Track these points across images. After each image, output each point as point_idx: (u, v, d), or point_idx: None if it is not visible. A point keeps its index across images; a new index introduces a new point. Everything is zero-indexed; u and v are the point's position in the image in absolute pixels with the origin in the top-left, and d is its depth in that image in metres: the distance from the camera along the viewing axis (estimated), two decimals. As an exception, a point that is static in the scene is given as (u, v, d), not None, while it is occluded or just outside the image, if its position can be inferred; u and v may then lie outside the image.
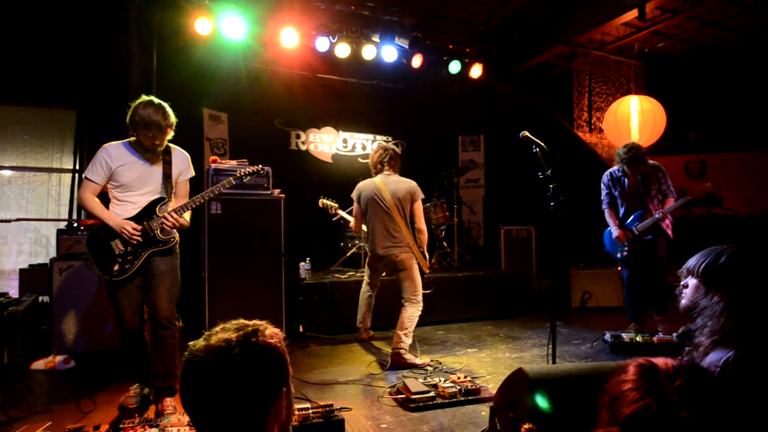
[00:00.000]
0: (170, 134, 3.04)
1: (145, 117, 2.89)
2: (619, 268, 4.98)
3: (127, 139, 3.06)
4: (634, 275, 4.67)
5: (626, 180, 4.65)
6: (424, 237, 4.16)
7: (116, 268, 2.91)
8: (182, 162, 3.18)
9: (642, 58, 7.26)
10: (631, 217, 4.64)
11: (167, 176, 3.08)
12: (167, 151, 3.12)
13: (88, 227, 4.38)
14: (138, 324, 3.03)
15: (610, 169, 4.82)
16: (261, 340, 0.97)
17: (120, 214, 2.96)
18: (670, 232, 4.55)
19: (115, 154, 3.00)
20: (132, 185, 3.00)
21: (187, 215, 3.08)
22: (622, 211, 4.73)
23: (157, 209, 3.01)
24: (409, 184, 4.17)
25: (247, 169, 3.36)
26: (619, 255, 4.70)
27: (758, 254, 1.42)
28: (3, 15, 5.08)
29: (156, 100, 2.97)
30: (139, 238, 2.92)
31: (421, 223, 4.14)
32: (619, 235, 4.63)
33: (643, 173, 4.57)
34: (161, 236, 2.99)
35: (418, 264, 4.17)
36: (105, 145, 3.04)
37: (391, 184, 4.16)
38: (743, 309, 1.37)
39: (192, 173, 3.26)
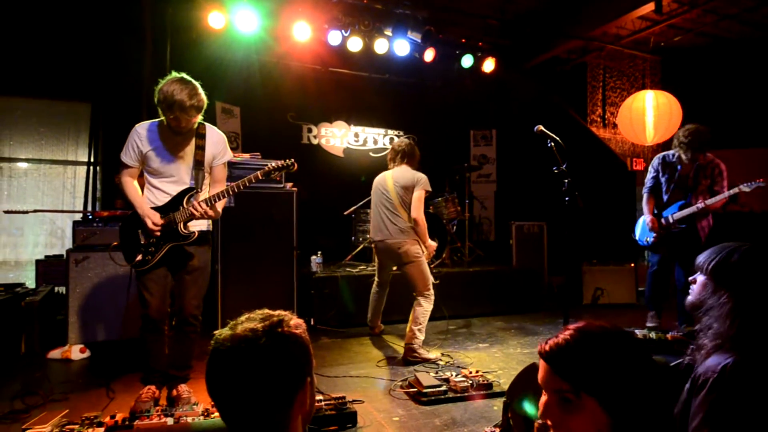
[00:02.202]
0: (198, 117, 2.85)
1: (168, 95, 2.68)
2: (647, 255, 4.72)
3: (159, 119, 2.91)
4: (662, 261, 4.46)
5: (680, 167, 4.28)
6: (420, 228, 3.99)
7: (139, 257, 2.86)
8: (216, 145, 3.01)
9: (658, 53, 7.16)
10: (671, 207, 4.36)
11: (198, 163, 2.92)
12: (200, 135, 2.94)
13: (103, 219, 4.42)
14: (162, 313, 2.93)
15: (665, 152, 4.47)
16: (287, 330, 0.97)
17: (153, 202, 2.90)
18: (703, 235, 4.27)
19: (144, 136, 2.88)
20: (162, 170, 2.90)
21: (219, 206, 2.93)
22: (665, 198, 4.42)
23: (184, 201, 2.89)
24: (414, 174, 4.06)
25: (276, 163, 3.04)
26: (646, 241, 4.49)
27: None
28: (19, 10, 5.14)
29: (187, 78, 2.78)
30: (158, 233, 2.84)
31: (417, 213, 3.97)
32: (650, 221, 4.38)
33: (700, 164, 4.18)
34: (183, 231, 2.88)
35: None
36: (136, 125, 2.93)
37: (397, 173, 4.13)
38: (751, 313, 1.29)
39: (229, 156, 3.10)
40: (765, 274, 1.31)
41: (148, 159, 2.89)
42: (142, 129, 2.91)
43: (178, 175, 2.93)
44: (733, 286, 1.33)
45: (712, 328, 1.36)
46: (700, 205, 4.13)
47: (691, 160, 4.19)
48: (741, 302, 1.31)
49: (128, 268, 2.99)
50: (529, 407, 1.82)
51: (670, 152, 4.43)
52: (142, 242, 2.89)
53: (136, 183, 2.96)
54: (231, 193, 2.92)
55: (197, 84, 2.81)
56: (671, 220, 4.33)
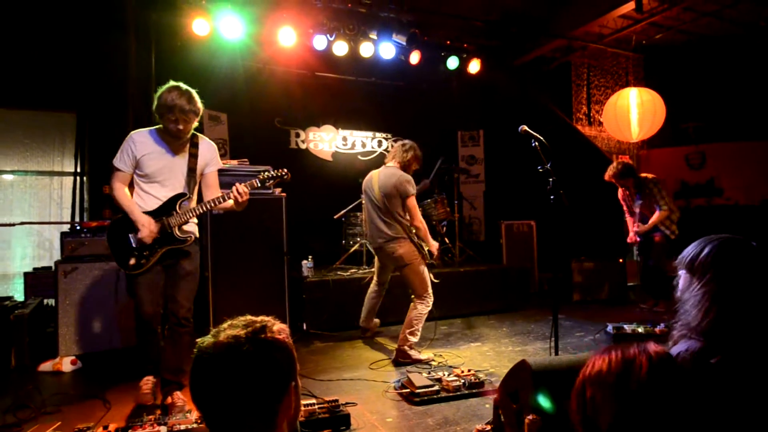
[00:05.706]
0: (195, 122, 3.00)
1: (169, 101, 2.85)
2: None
3: (155, 127, 3.03)
4: (644, 265, 5.50)
5: (627, 192, 5.39)
6: (422, 232, 4.01)
7: (132, 261, 2.91)
8: (209, 153, 3.16)
9: (640, 50, 7.25)
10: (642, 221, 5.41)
11: (191, 170, 3.04)
12: (194, 144, 3.09)
13: (91, 229, 4.40)
14: (156, 316, 3.01)
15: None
16: (269, 336, 0.98)
17: (142, 207, 2.96)
18: (667, 232, 5.19)
19: (140, 141, 2.98)
20: (155, 175, 2.98)
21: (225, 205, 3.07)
22: (638, 216, 5.39)
23: (177, 206, 2.97)
24: (397, 179, 3.96)
25: (271, 173, 3.15)
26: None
27: (745, 246, 1.34)
28: (1, 19, 5.09)
29: (183, 86, 2.93)
30: (155, 236, 2.91)
31: (416, 221, 3.96)
32: (629, 239, 5.48)
33: (638, 183, 5.26)
34: (179, 234, 2.96)
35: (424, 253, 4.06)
36: (132, 132, 3.03)
37: (383, 176, 4.08)
38: (718, 303, 1.29)
39: (220, 164, 3.23)
40: (731, 265, 1.32)
41: (141, 164, 2.97)
42: (138, 135, 3.01)
43: (171, 181, 3.01)
44: (702, 277, 1.35)
45: (680, 320, 1.38)
46: (635, 228, 5.33)
47: (626, 187, 5.35)
48: (710, 293, 1.32)
49: (117, 278, 3.01)
50: (544, 401, 1.83)
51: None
52: (135, 245, 2.93)
53: (126, 189, 3.03)
54: (221, 202, 3.03)
55: (194, 91, 2.95)
56: (639, 236, 5.43)
